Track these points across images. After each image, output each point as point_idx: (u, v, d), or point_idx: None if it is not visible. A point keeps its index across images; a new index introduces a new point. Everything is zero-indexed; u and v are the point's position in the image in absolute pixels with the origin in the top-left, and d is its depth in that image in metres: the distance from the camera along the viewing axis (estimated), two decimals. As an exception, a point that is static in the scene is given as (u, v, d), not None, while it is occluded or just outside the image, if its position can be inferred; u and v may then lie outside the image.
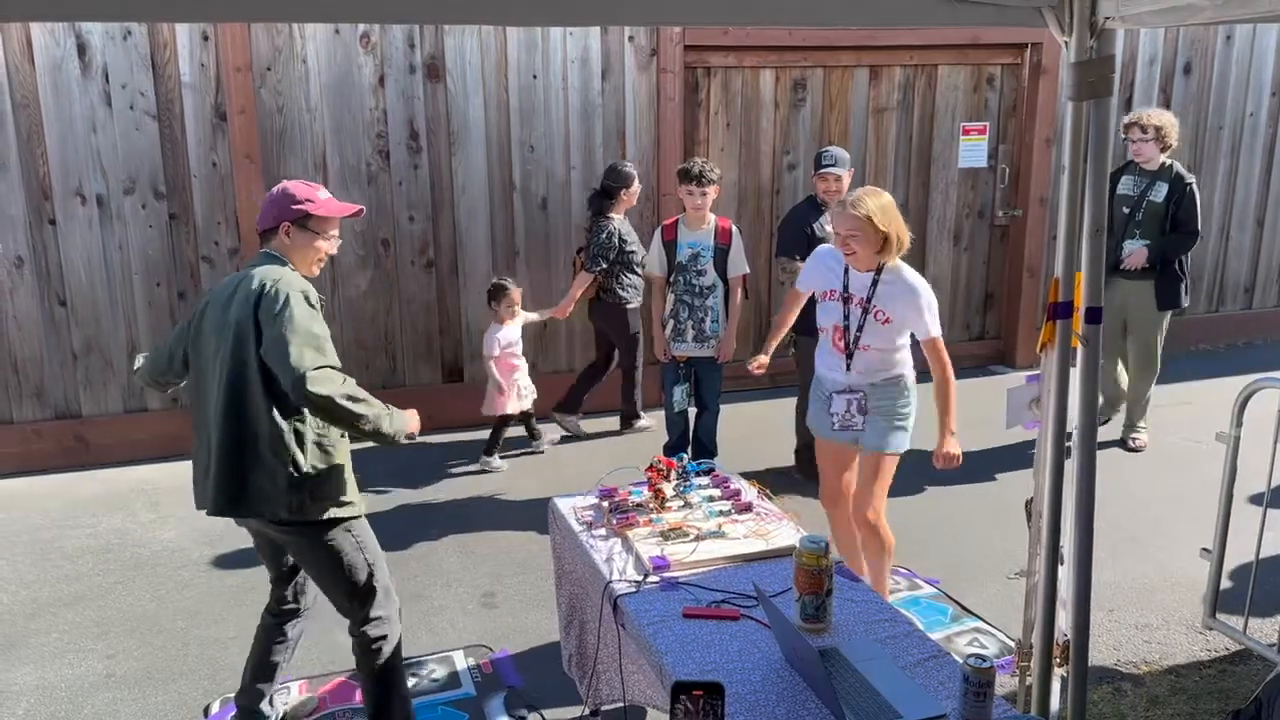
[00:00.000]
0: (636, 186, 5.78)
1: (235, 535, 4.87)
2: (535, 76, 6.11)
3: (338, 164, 5.88)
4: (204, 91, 5.58)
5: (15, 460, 5.63)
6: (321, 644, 3.93)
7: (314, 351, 2.74)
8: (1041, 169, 7.30)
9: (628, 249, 5.70)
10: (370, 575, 3.09)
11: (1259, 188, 7.98)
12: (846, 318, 3.76)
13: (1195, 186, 5.62)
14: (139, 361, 3.37)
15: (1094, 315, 2.53)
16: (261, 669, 3.33)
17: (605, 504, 3.26)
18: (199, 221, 5.72)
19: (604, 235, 5.63)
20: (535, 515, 4.68)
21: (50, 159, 5.42)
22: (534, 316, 5.91)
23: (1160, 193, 5.60)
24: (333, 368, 2.76)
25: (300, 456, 2.88)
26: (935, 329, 3.69)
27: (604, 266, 5.67)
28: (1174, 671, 3.71)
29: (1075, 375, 2.56)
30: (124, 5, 1.98)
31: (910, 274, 3.73)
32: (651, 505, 3.20)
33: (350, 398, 2.75)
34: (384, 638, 3.15)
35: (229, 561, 4.66)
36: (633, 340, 5.98)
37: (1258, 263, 8.18)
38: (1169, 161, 5.64)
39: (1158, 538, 4.76)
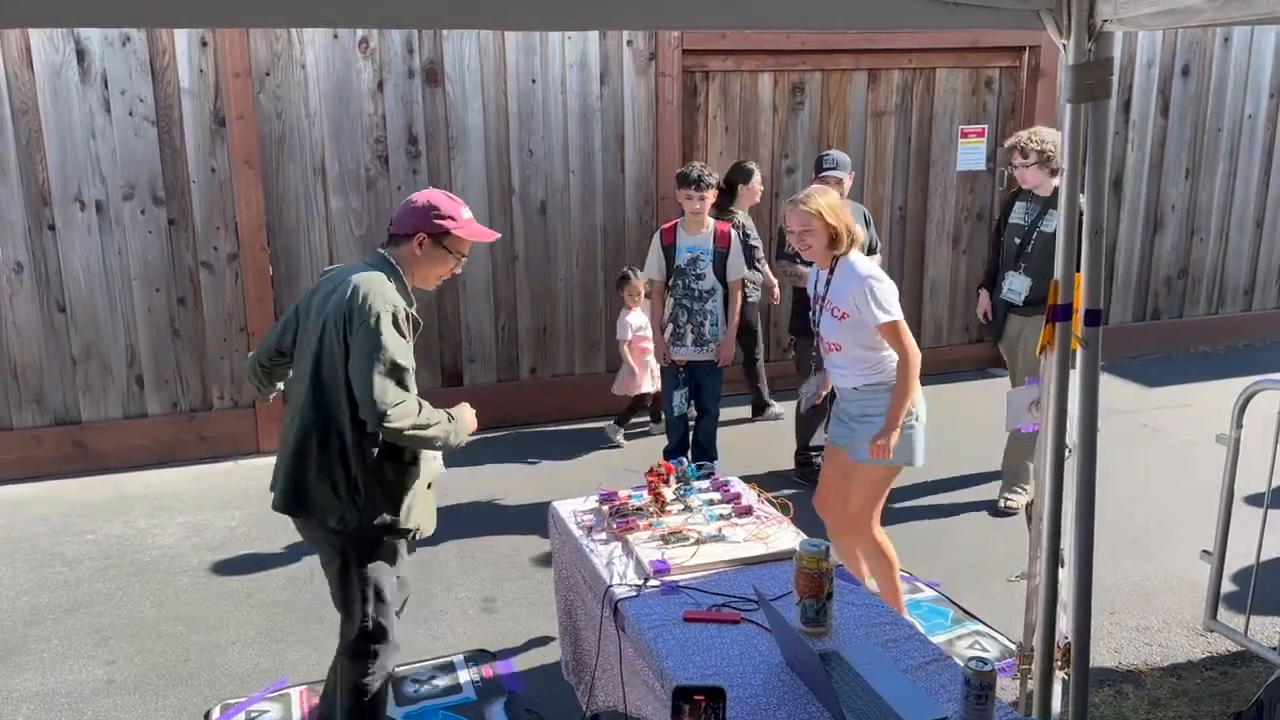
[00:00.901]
0: (757, 182, 5.96)
1: (235, 541, 4.88)
2: (534, 81, 6.12)
3: (336, 169, 5.88)
4: (203, 97, 5.58)
5: (15, 466, 5.62)
6: (323, 650, 3.92)
7: (396, 387, 2.73)
8: (1040, 171, 7.30)
9: (750, 243, 5.82)
10: (379, 604, 2.97)
11: (1258, 189, 7.99)
12: (816, 318, 3.77)
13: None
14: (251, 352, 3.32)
15: (1093, 318, 2.53)
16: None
17: (605, 508, 3.26)
18: (198, 227, 5.72)
19: (740, 232, 5.77)
20: (536, 519, 4.68)
21: (49, 165, 5.42)
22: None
23: (1052, 223, 4.76)
24: (409, 399, 2.75)
25: (363, 468, 2.84)
26: (886, 314, 3.52)
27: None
28: (1175, 674, 3.71)
29: (1075, 377, 2.56)
30: (124, 11, 1.98)
31: (856, 262, 3.65)
32: (651, 509, 3.20)
33: (423, 426, 2.77)
34: (371, 674, 3.01)
35: (229, 567, 4.65)
36: (751, 333, 6.18)
37: (1257, 264, 8.18)
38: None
39: (1158, 540, 4.75)
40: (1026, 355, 4.90)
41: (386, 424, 2.70)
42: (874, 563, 3.81)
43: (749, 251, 5.78)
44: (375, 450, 2.84)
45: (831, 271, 3.67)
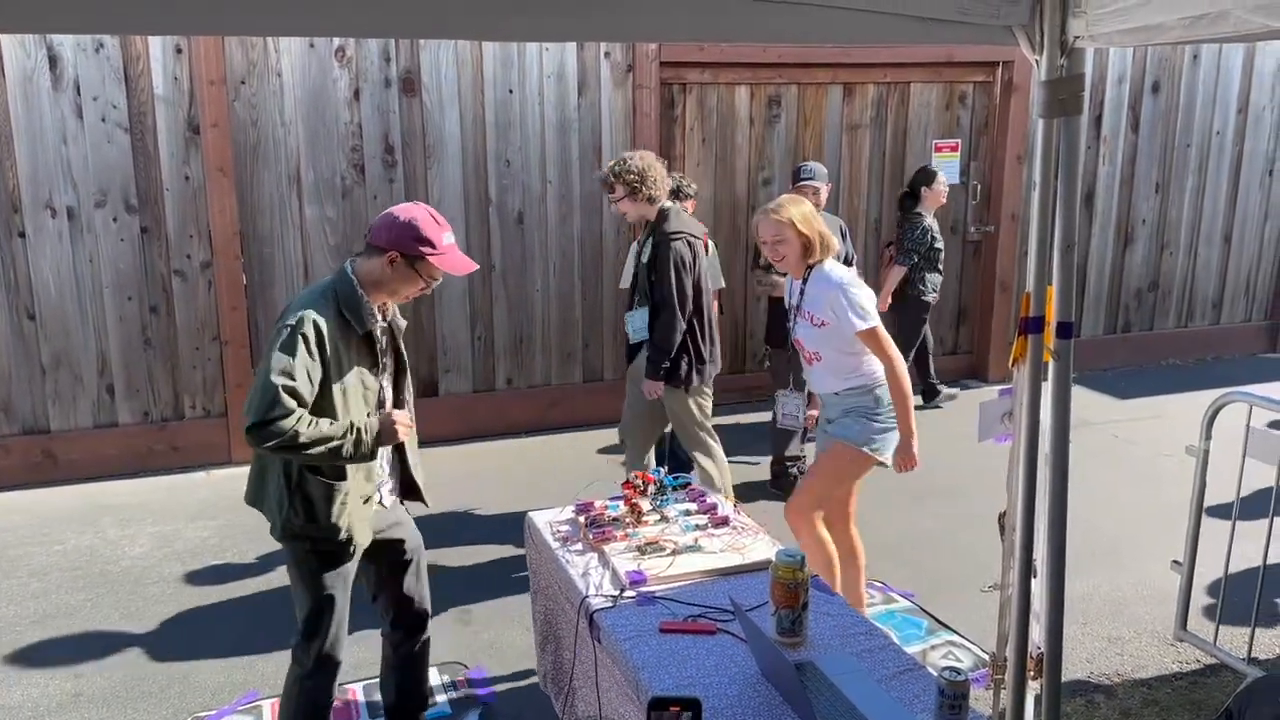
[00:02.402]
0: (940, 184, 6.29)
1: (205, 552, 4.83)
2: (511, 91, 6.12)
3: (312, 177, 5.86)
4: (177, 104, 5.54)
5: (-18, 476, 5.55)
6: (294, 661, 3.90)
7: (266, 403, 2.62)
8: (1013, 185, 7.38)
9: (935, 245, 5.89)
10: (314, 610, 2.96)
11: (1225, 205, 8.11)
12: (793, 327, 3.79)
13: (678, 245, 4.35)
14: None
15: (1065, 330, 2.55)
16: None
17: (582, 518, 3.25)
18: (171, 235, 5.67)
19: (919, 231, 6.03)
20: (512, 530, 4.66)
21: (20, 171, 5.36)
22: None
23: (646, 253, 4.49)
24: (278, 418, 2.62)
25: (285, 480, 2.83)
26: (864, 321, 3.54)
27: (915, 261, 5.94)
28: (1146, 684, 3.74)
29: (1047, 389, 2.58)
30: (96, 18, 1.97)
31: (830, 269, 3.65)
32: (628, 520, 3.20)
33: (292, 443, 2.64)
34: (305, 679, 3.01)
35: (199, 578, 4.60)
36: (915, 332, 6.52)
37: (1225, 278, 8.30)
38: (669, 206, 4.49)
39: (1129, 550, 4.80)
40: (637, 394, 4.61)
41: (252, 443, 2.65)
42: (844, 561, 3.83)
43: (933, 254, 5.98)
44: (298, 465, 2.80)
45: (806, 280, 3.69)
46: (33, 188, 5.40)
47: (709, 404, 4.65)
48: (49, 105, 5.35)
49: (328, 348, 2.74)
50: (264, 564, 4.69)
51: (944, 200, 6.52)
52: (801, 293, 3.70)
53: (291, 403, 2.64)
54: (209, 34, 5.25)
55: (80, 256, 5.55)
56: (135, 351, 5.73)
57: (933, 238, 6.33)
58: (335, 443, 2.71)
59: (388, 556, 3.14)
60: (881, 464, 3.71)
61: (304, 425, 2.66)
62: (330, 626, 2.98)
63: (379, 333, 2.89)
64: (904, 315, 6.47)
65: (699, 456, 4.66)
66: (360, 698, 3.67)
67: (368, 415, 2.87)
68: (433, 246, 2.83)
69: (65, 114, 5.38)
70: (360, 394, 2.84)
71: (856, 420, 3.66)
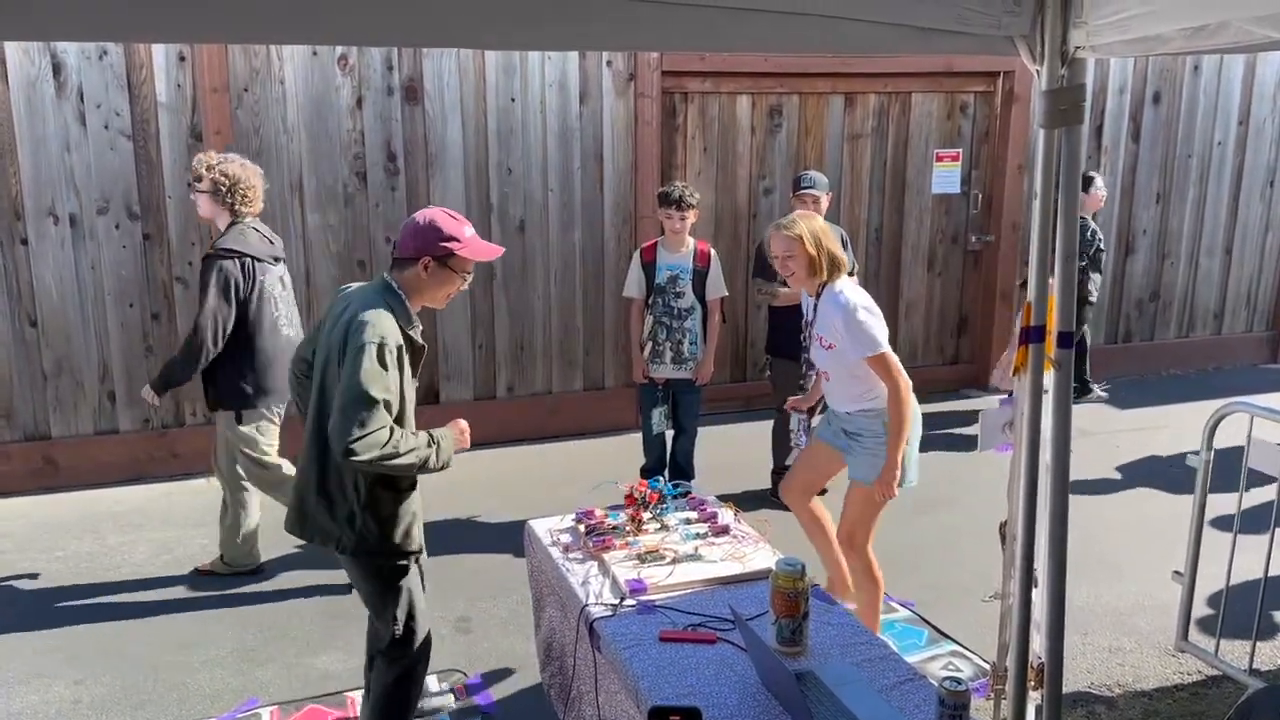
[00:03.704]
0: (1096, 188, 6.54)
1: (205, 559, 4.82)
2: (513, 99, 6.14)
3: (314, 185, 5.87)
4: (180, 112, 5.55)
5: (-18, 482, 5.55)
6: (295, 670, 3.88)
7: (358, 425, 2.70)
8: (1013, 195, 7.39)
9: (1100, 247, 6.29)
10: (406, 614, 3.08)
11: (1227, 215, 8.11)
12: (807, 344, 3.79)
13: (228, 265, 4.18)
14: None
15: (1065, 340, 2.55)
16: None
17: (581, 526, 3.25)
18: (173, 242, 5.68)
19: (1088, 234, 6.20)
20: (512, 538, 4.66)
21: (23, 178, 5.37)
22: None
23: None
24: (376, 431, 2.71)
25: (356, 495, 2.91)
26: (870, 347, 3.50)
27: (1083, 264, 6.13)
28: (1147, 695, 3.73)
29: (1048, 399, 2.58)
30: (99, 26, 1.97)
31: (840, 291, 3.59)
32: (628, 528, 3.20)
33: (391, 455, 2.74)
34: (404, 678, 3.13)
35: (199, 586, 4.60)
36: (1079, 331, 6.66)
37: (1226, 289, 8.30)
38: (242, 224, 4.34)
39: (1130, 561, 4.79)
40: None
41: (351, 458, 2.71)
42: (860, 581, 3.83)
43: (1097, 255, 6.18)
44: (372, 479, 2.88)
45: (819, 298, 3.68)
46: (35, 194, 5.41)
47: (269, 440, 4.42)
48: (52, 112, 5.36)
49: (403, 360, 2.86)
50: (264, 572, 4.69)
51: (1101, 203, 6.84)
52: (814, 310, 3.70)
53: (388, 416, 2.75)
54: (213, 42, 5.27)
55: (82, 263, 5.56)
56: (136, 358, 5.74)
57: (1097, 240, 6.60)
58: (424, 452, 2.83)
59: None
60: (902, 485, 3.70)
61: (399, 437, 2.77)
62: (418, 624, 3.11)
63: (420, 339, 3.00)
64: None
65: (228, 492, 4.53)
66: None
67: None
68: (458, 241, 2.93)
69: (68, 121, 5.40)
70: (411, 403, 2.97)
71: (875, 455, 3.63)
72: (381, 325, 2.80)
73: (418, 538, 3.04)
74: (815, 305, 3.69)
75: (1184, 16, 2.07)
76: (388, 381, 2.76)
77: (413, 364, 2.96)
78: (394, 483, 2.94)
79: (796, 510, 4.07)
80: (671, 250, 5.18)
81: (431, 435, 2.89)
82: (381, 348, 2.77)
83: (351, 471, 2.86)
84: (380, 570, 3.02)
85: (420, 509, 3.07)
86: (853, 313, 3.53)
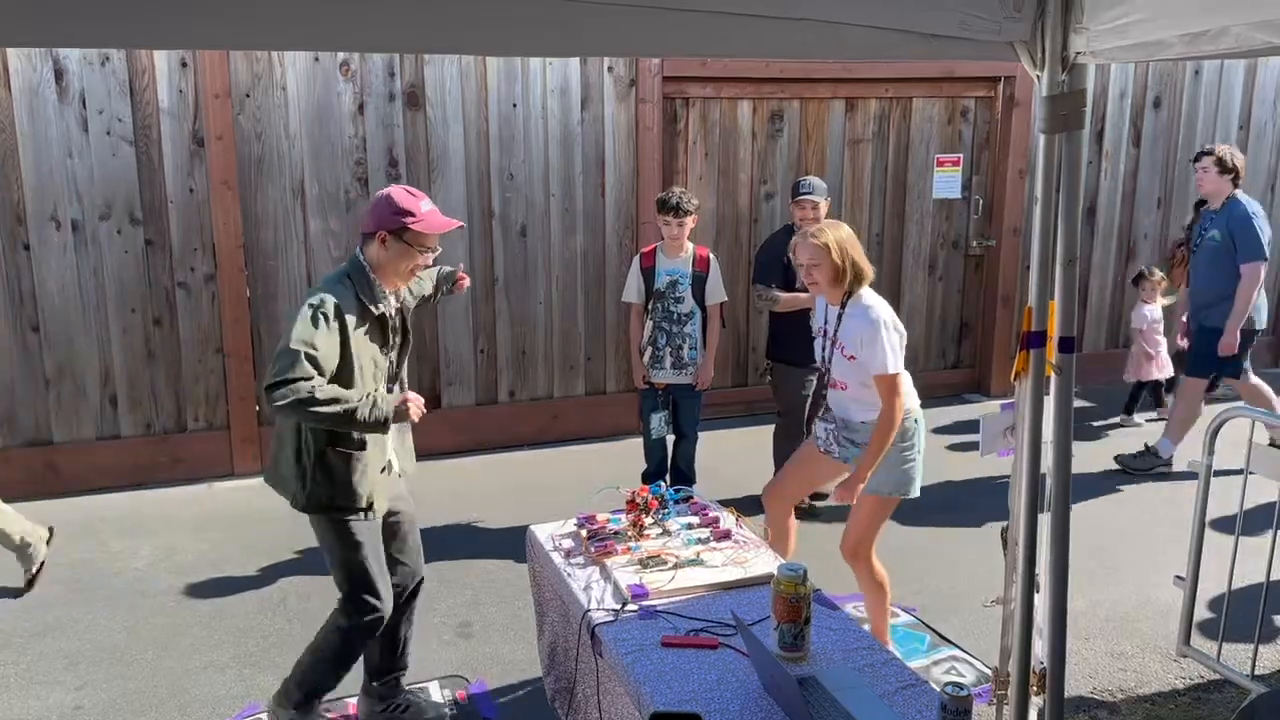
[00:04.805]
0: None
1: (208, 565, 4.83)
2: (515, 105, 6.15)
3: (316, 191, 5.88)
4: (182, 118, 5.57)
5: (-16, 488, 5.54)
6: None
7: (278, 372, 2.84)
8: (1014, 200, 7.40)
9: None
10: (356, 572, 3.17)
11: (1227, 220, 8.10)
12: (825, 354, 3.77)
13: None
14: None
15: (1067, 345, 2.55)
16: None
17: (583, 532, 3.25)
18: (175, 247, 5.69)
19: None
20: (513, 542, 4.66)
21: (25, 184, 5.38)
22: (1166, 301, 6.77)
23: None
24: (295, 380, 2.82)
25: (308, 453, 3.06)
26: (884, 364, 3.49)
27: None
28: (1149, 700, 3.73)
29: (1049, 403, 2.58)
30: (104, 32, 1.98)
31: (868, 305, 3.60)
32: (630, 533, 3.20)
33: (309, 403, 2.83)
34: (348, 630, 3.22)
35: (200, 591, 4.60)
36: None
37: (1227, 293, 8.28)
38: None
39: (1131, 565, 4.79)
40: None
41: (273, 403, 2.83)
42: (868, 589, 3.82)
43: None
44: (323, 437, 3.03)
45: (843, 308, 3.66)
46: (38, 200, 5.42)
47: None
48: (54, 118, 5.37)
49: (347, 326, 2.96)
50: (264, 577, 4.69)
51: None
52: (838, 319, 3.69)
53: (310, 368, 2.85)
54: (216, 48, 5.29)
55: (84, 269, 5.56)
56: (138, 364, 5.74)
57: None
58: (350, 405, 2.90)
59: (387, 522, 3.36)
60: (906, 497, 3.71)
61: (316, 385, 2.86)
62: (370, 596, 3.19)
63: (391, 313, 3.13)
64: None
65: None
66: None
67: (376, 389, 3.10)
68: (412, 215, 3.04)
69: (71, 127, 5.41)
70: (372, 371, 3.07)
71: (887, 465, 3.61)
72: (324, 292, 2.98)
73: (364, 494, 3.12)
74: (839, 315, 3.68)
75: (1184, 22, 2.08)
76: (314, 338, 2.88)
77: (380, 334, 3.09)
78: (343, 440, 3.05)
79: (773, 516, 4.02)
80: (670, 255, 5.19)
81: (369, 393, 2.98)
82: (316, 309, 2.92)
83: (304, 431, 3.03)
84: (333, 526, 3.13)
85: (378, 473, 3.17)
86: (882, 329, 3.53)
